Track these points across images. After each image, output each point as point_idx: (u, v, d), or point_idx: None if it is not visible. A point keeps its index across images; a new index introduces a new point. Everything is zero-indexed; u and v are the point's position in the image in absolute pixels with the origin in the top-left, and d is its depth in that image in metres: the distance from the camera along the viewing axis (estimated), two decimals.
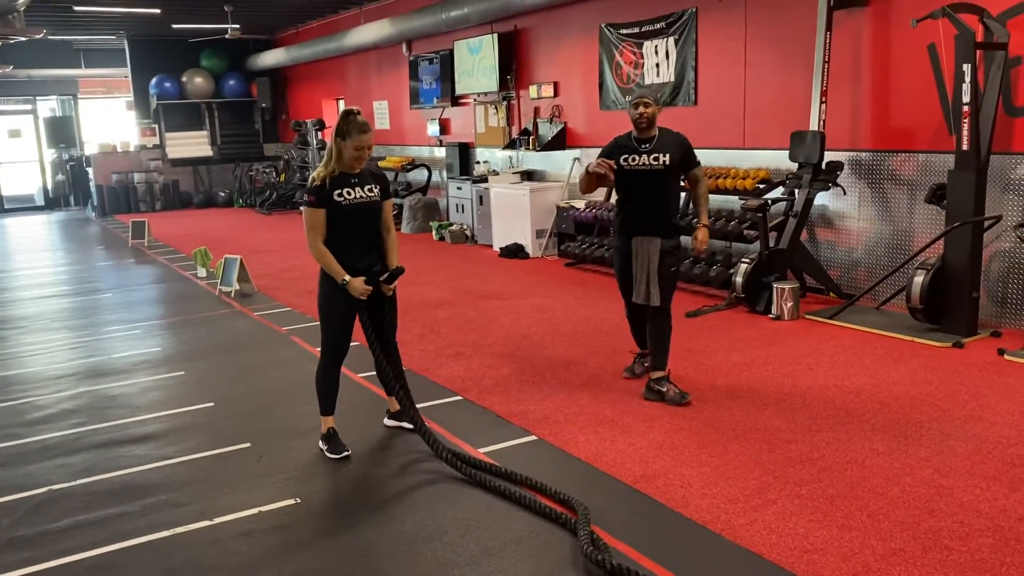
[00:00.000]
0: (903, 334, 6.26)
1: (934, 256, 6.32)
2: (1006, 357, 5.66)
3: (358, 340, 4.61)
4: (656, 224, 5.09)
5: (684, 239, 5.78)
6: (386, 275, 4.44)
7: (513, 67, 11.50)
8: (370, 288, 4.32)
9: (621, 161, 5.07)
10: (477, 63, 11.98)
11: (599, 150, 5.21)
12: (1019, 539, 3.34)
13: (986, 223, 6.16)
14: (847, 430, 4.53)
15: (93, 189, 18.67)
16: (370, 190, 4.37)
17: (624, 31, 9.61)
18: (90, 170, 18.75)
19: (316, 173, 4.34)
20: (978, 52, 5.96)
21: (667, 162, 5.05)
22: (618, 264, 5.33)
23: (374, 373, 4.88)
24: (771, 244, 7.31)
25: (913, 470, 4.00)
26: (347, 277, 4.28)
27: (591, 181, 5.13)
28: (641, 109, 5.02)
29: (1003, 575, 3.10)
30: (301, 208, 4.91)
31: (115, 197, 18.43)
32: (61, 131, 20.40)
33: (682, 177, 5.23)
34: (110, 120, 21.62)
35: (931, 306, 6.21)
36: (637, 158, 5.06)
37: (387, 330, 4.58)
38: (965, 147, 6.01)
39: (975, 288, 6.15)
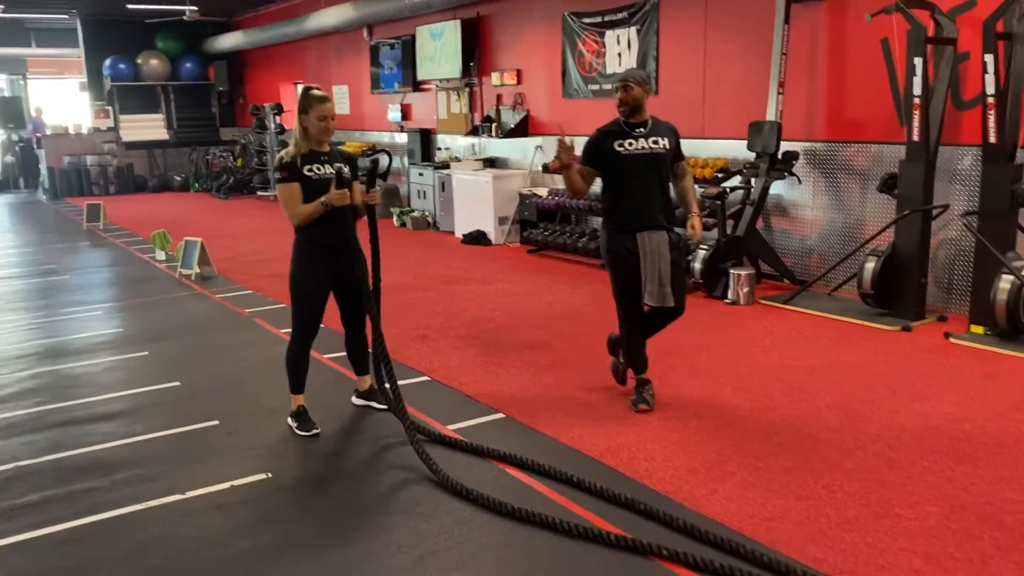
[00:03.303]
0: (854, 318, 6.48)
1: (885, 243, 6.55)
2: (951, 340, 5.91)
3: (329, 324, 4.65)
4: (660, 215, 4.64)
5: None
6: (366, 176, 4.37)
7: (476, 54, 11.54)
8: (346, 193, 4.25)
9: (616, 147, 4.57)
10: (439, 49, 12.00)
11: (563, 138, 4.54)
12: (964, 507, 3.53)
13: (934, 212, 6.40)
14: (801, 407, 4.71)
15: (44, 171, 18.28)
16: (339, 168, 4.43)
17: (587, 20, 9.72)
18: (41, 152, 18.34)
19: (285, 151, 4.37)
20: (929, 47, 6.18)
21: (667, 146, 4.65)
22: (619, 267, 4.67)
23: (343, 354, 4.95)
24: (728, 232, 7.49)
25: (864, 445, 4.19)
26: (323, 198, 4.24)
27: (576, 178, 4.66)
28: (621, 94, 4.58)
29: (950, 540, 3.28)
30: (275, 187, 4.91)
31: (67, 180, 18.06)
32: (10, 111, 19.91)
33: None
34: (62, 101, 21.15)
35: (881, 291, 6.44)
36: (635, 142, 4.58)
37: (358, 309, 4.64)
38: (915, 138, 6.23)
39: (923, 274, 6.39)
